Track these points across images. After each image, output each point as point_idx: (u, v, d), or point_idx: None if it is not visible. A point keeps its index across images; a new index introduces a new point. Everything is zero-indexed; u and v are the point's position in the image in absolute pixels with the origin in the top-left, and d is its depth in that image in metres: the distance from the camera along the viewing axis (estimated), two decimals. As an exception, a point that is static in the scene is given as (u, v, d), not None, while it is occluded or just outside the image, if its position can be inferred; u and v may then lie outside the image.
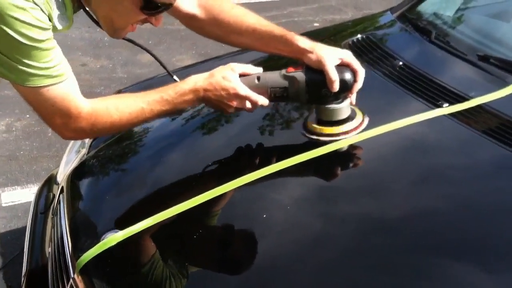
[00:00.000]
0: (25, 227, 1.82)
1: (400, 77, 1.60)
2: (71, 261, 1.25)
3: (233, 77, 1.33)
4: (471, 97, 1.45)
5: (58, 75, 1.18)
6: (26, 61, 1.12)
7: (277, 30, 1.44)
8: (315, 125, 1.41)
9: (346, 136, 1.38)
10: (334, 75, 1.33)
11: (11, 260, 2.20)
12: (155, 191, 1.35)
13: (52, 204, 1.68)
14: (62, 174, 1.69)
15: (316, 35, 1.88)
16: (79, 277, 1.20)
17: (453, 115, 1.42)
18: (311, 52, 1.37)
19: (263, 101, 1.35)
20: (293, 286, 1.07)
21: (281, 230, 1.19)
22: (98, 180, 1.51)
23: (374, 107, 1.48)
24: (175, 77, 1.45)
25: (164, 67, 1.49)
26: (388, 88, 1.59)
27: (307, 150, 1.33)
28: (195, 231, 1.23)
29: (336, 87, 1.34)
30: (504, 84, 1.48)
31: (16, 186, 2.69)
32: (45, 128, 3.18)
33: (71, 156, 1.75)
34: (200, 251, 1.21)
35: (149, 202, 1.31)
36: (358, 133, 1.38)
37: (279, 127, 1.57)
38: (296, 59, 1.40)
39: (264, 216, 1.21)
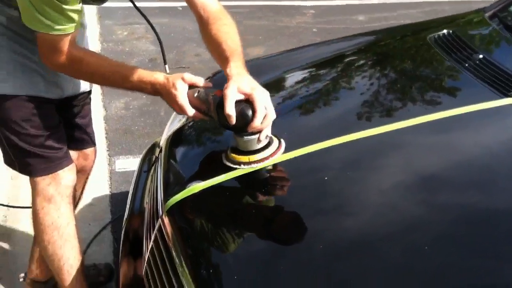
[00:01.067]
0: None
1: (477, 69, 1.68)
2: (161, 205, 1.47)
3: (180, 85, 1.47)
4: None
5: (66, 28, 1.42)
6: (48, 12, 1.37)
7: (226, 52, 1.49)
8: (232, 154, 1.44)
9: (259, 164, 1.41)
10: (230, 110, 1.34)
11: (117, 217, 2.50)
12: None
13: (154, 165, 1.93)
14: (164, 139, 1.93)
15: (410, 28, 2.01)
16: (167, 217, 1.41)
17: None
18: (228, 81, 1.41)
19: (190, 113, 1.47)
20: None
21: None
22: (191, 142, 1.73)
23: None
24: (166, 66, 1.67)
25: (162, 49, 1.71)
26: (465, 78, 1.68)
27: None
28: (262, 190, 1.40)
29: (232, 121, 1.35)
30: None
31: (129, 156, 3.02)
32: (159, 108, 3.52)
33: (173, 125, 1.99)
34: (270, 210, 1.38)
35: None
36: (271, 160, 1.41)
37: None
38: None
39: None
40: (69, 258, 1.80)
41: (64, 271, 1.81)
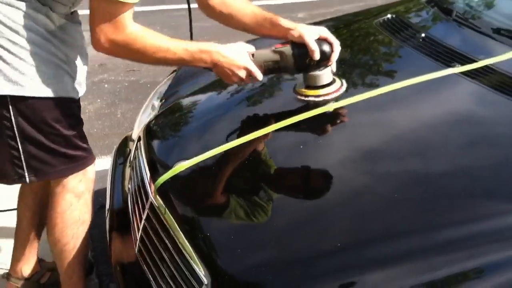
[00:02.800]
0: (101, 188, 2.18)
1: (422, 46, 1.88)
2: (149, 186, 1.58)
3: (244, 53, 1.62)
4: (480, 59, 1.72)
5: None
6: None
7: (268, 14, 1.73)
8: (303, 90, 1.70)
9: (327, 97, 1.66)
10: (314, 46, 1.60)
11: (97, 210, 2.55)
12: (211, 134, 1.69)
13: (129, 157, 2.03)
14: (137, 131, 2.03)
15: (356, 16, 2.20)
16: (157, 196, 1.53)
17: (464, 74, 1.68)
18: (293, 30, 1.64)
19: (259, 75, 1.63)
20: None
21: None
22: (169, 127, 1.85)
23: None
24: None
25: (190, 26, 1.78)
26: (410, 54, 1.87)
27: (298, 111, 1.61)
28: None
29: (317, 56, 1.61)
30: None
31: (90, 157, 3.09)
32: (115, 110, 3.60)
33: (143, 117, 2.09)
34: (248, 180, 1.52)
35: (209, 140, 1.63)
36: (337, 95, 1.67)
37: (274, 94, 1.87)
38: (282, 39, 1.68)
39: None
40: (84, 252, 1.89)
41: (80, 265, 1.89)
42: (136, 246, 1.60)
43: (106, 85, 3.94)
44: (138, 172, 1.73)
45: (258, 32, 1.78)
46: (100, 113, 3.58)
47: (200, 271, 1.30)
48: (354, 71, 1.91)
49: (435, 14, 2.12)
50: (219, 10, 1.78)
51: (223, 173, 1.53)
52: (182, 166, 1.54)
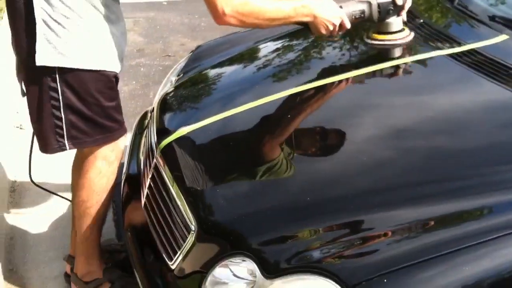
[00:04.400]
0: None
1: (420, 30, 2.00)
2: (155, 148, 1.77)
3: (336, 5, 1.79)
4: (468, 43, 1.83)
5: None
6: None
7: None
8: (376, 35, 1.96)
9: (397, 42, 1.92)
10: None
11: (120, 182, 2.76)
12: (214, 104, 1.88)
13: (146, 127, 2.22)
14: (156, 101, 2.22)
15: None
16: (161, 156, 1.71)
17: (452, 55, 1.81)
18: None
19: (348, 24, 1.81)
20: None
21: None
22: (181, 98, 2.03)
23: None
24: None
25: None
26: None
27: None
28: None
29: (408, 2, 1.85)
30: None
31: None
32: (148, 91, 3.81)
33: (163, 90, 2.28)
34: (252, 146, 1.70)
35: (210, 109, 1.81)
36: (406, 41, 1.92)
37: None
38: None
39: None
40: (103, 216, 1.98)
41: (98, 228, 1.98)
42: (142, 202, 1.79)
43: (142, 69, 4.16)
44: (149, 138, 1.92)
45: None
46: (134, 94, 3.80)
47: (189, 219, 1.48)
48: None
49: (438, 2, 2.23)
50: None
51: (221, 136, 1.71)
52: (183, 131, 1.72)
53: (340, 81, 1.80)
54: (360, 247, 1.32)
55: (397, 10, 1.88)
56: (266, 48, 2.21)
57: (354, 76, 1.81)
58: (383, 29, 1.94)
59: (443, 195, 1.37)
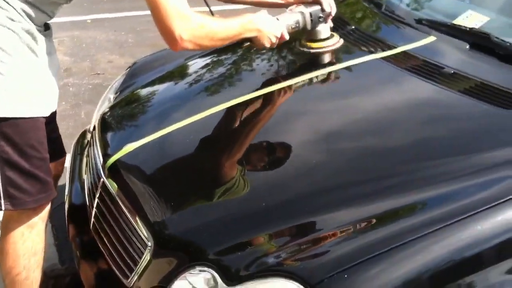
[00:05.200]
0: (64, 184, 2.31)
1: (352, 36, 2.08)
2: (101, 166, 1.74)
3: (275, 19, 1.84)
4: (399, 46, 1.92)
5: None
6: None
7: None
8: (308, 43, 2.02)
9: (328, 48, 2.00)
10: (330, 2, 1.95)
11: (57, 206, 2.69)
12: (157, 120, 1.86)
13: (86, 147, 2.18)
14: (94, 123, 2.19)
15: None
16: (108, 174, 1.69)
17: (385, 58, 1.89)
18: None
19: (287, 36, 1.87)
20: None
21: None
22: (121, 116, 2.01)
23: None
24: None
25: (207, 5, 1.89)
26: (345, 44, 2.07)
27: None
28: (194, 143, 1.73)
29: (328, 8, 1.94)
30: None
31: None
32: (79, 111, 3.73)
33: (102, 108, 2.25)
34: (197, 158, 1.70)
35: (155, 125, 1.80)
36: (337, 46, 2.01)
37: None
38: (290, 5, 1.98)
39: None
40: (38, 280, 1.84)
41: None
42: (91, 223, 1.75)
43: (71, 88, 4.07)
44: (93, 157, 1.88)
45: (269, 4, 2.03)
46: (65, 115, 3.71)
47: (144, 235, 1.46)
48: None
49: (366, 8, 2.32)
50: None
51: (167, 150, 1.70)
52: (129, 147, 1.70)
53: (275, 91, 1.85)
54: (314, 248, 1.35)
55: (325, 16, 1.97)
56: (205, 61, 2.23)
57: (289, 85, 1.87)
58: (314, 37, 2.02)
59: (379, 193, 1.42)
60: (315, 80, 1.91)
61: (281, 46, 2.07)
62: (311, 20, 1.94)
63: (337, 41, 2.03)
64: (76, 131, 3.49)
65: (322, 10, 1.95)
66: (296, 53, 2.07)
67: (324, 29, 2.01)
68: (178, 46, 1.60)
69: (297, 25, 1.92)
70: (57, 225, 2.23)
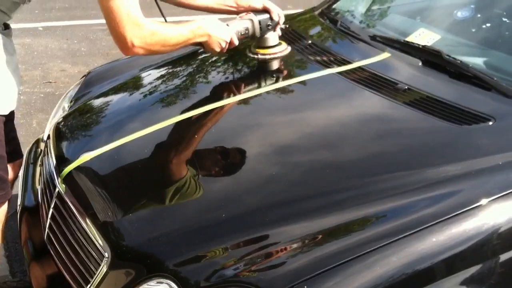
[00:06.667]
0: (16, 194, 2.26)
1: (308, 51, 2.12)
2: (56, 177, 1.71)
3: (225, 25, 1.89)
4: (355, 61, 1.97)
5: None
6: None
7: None
8: (257, 50, 2.10)
9: (277, 55, 2.08)
10: (279, 12, 2.04)
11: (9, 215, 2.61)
12: (114, 129, 1.85)
13: (39, 157, 2.13)
14: (47, 132, 2.15)
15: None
16: (64, 185, 1.66)
17: (341, 73, 1.93)
18: (255, 2, 2.03)
19: (236, 41, 1.93)
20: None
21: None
22: (77, 125, 1.98)
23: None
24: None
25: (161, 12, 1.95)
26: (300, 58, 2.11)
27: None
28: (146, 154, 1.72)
29: (276, 17, 2.02)
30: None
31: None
32: (30, 120, 3.65)
33: (54, 120, 2.21)
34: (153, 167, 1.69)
35: (112, 135, 1.79)
36: (285, 53, 2.09)
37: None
38: (240, 13, 2.03)
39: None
40: None
41: None
42: (45, 233, 1.71)
43: (22, 97, 3.97)
44: (47, 166, 1.85)
45: (220, 10, 2.08)
46: (16, 123, 3.57)
47: (101, 246, 1.45)
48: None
49: (322, 24, 2.37)
50: None
51: (123, 160, 1.69)
52: (86, 157, 1.68)
53: (227, 103, 1.88)
54: (270, 260, 1.36)
55: (274, 25, 2.06)
56: (159, 72, 2.24)
57: (243, 96, 1.91)
58: (263, 44, 2.10)
59: (332, 206, 1.45)
60: (268, 91, 1.94)
61: (232, 53, 2.13)
62: (260, 27, 2.01)
63: (284, 48, 2.11)
64: (27, 140, 3.41)
65: (271, 18, 2.03)
66: (246, 60, 2.15)
67: (272, 37, 2.09)
68: (129, 51, 1.68)
69: (247, 31, 1.99)
70: (8, 236, 2.18)
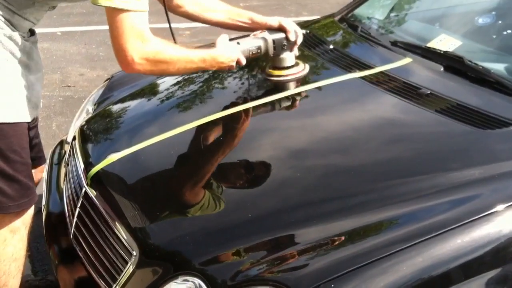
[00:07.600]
0: (39, 194, 2.29)
1: (330, 55, 2.14)
2: (84, 178, 1.74)
3: (234, 46, 1.84)
4: (377, 66, 1.99)
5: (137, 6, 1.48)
6: None
7: (241, 10, 2.01)
8: (271, 70, 2.01)
9: (292, 76, 1.99)
10: (296, 30, 1.95)
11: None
12: (140, 130, 1.88)
13: (64, 158, 2.17)
14: (72, 134, 2.18)
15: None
16: (91, 184, 1.69)
17: (363, 78, 1.95)
18: (271, 20, 1.95)
19: (244, 61, 1.85)
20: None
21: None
22: (102, 126, 2.01)
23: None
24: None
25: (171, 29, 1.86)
26: (322, 63, 2.13)
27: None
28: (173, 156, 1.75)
29: (293, 37, 1.93)
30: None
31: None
32: (50, 123, 3.69)
33: (78, 122, 2.25)
34: (179, 169, 1.72)
35: (138, 136, 1.82)
36: (302, 74, 2.01)
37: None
38: (259, 29, 1.96)
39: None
40: (17, 287, 1.82)
41: None
42: (71, 233, 1.74)
43: (41, 100, 4.03)
44: (74, 168, 1.88)
45: (233, 26, 2.02)
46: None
47: (129, 244, 1.47)
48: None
49: (344, 30, 2.39)
50: (187, 7, 1.94)
51: (150, 162, 1.72)
52: (113, 157, 1.71)
53: (245, 108, 1.87)
54: (294, 260, 1.38)
55: (290, 45, 1.96)
56: (181, 77, 2.26)
57: (261, 101, 1.90)
58: (278, 64, 2.00)
59: (350, 210, 1.46)
60: (289, 95, 1.96)
61: (249, 70, 2.13)
62: (274, 47, 1.93)
63: (302, 69, 2.01)
64: (47, 142, 3.46)
65: (287, 38, 1.94)
66: (261, 79, 2.07)
67: (288, 57, 1.99)
68: (129, 67, 1.56)
69: (258, 50, 1.91)
70: (30, 236, 2.21)
